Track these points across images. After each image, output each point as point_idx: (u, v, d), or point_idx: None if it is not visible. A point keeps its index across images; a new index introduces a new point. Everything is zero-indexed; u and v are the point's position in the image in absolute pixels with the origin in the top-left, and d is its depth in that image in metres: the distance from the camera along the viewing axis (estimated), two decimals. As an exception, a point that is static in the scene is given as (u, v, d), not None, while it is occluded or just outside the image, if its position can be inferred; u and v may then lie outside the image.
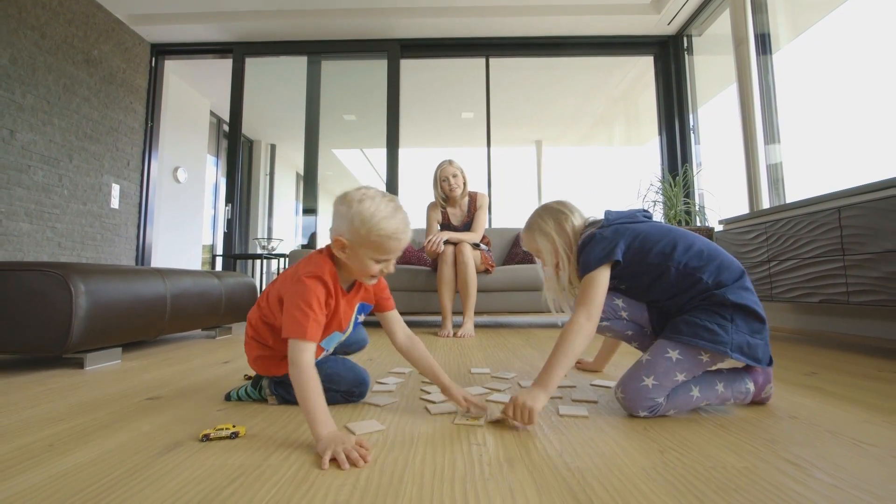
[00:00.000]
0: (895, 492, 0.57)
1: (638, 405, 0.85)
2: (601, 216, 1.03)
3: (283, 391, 0.98)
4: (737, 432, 0.80)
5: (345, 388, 0.96)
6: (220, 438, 0.77)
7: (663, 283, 0.91)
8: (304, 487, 0.59)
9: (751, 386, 0.91)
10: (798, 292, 1.88)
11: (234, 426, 0.80)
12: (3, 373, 1.37)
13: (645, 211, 1.02)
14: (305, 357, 0.77)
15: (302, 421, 0.87)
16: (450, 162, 2.51)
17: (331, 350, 0.99)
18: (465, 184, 2.51)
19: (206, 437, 0.77)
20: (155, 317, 1.63)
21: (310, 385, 0.75)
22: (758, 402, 0.94)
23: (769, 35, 2.89)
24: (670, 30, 3.72)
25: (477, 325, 2.74)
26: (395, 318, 0.99)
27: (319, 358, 0.96)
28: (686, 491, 0.58)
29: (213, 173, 5.42)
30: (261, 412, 0.94)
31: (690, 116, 3.73)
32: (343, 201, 0.84)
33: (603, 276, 0.89)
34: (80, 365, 1.44)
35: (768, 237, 2.07)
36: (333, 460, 0.66)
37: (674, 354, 0.85)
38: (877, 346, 1.81)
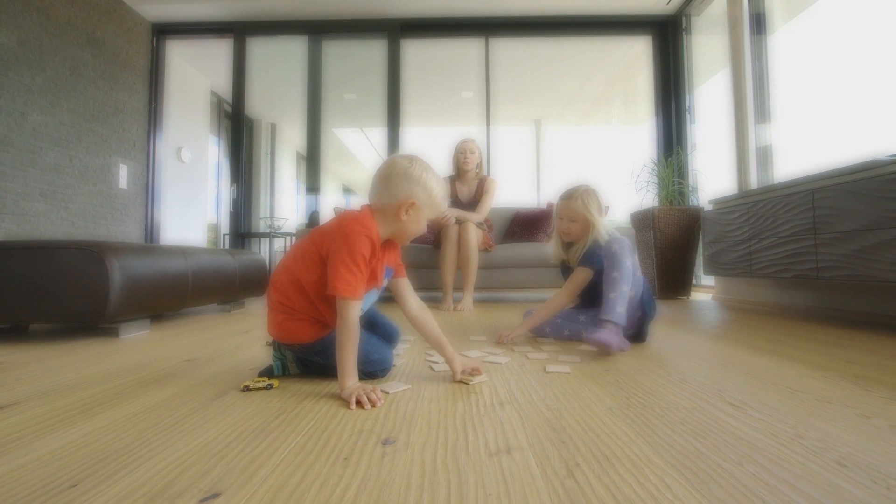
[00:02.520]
0: (808, 422, 0.72)
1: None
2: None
3: (305, 363, 1.01)
4: (694, 384, 0.95)
5: (370, 370, 0.98)
6: (259, 389, 0.92)
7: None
8: (336, 420, 0.74)
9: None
10: (774, 268, 2.02)
11: (268, 379, 0.94)
12: (46, 341, 1.51)
13: None
14: (354, 312, 0.87)
15: (325, 377, 1.01)
16: (472, 140, 2.73)
17: (366, 308, 1.03)
18: (479, 164, 2.72)
19: (247, 388, 0.91)
20: (179, 291, 1.77)
21: (351, 339, 0.87)
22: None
23: (765, 16, 2.93)
24: (669, 9, 3.73)
25: (476, 301, 2.89)
26: (407, 286, 1.05)
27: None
28: (641, 423, 0.72)
29: (214, 153, 5.47)
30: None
31: (687, 97, 3.79)
32: (410, 169, 0.95)
33: (588, 274, 1.41)
34: (115, 334, 1.58)
35: (750, 217, 2.19)
36: (358, 404, 0.80)
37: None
38: (841, 318, 1.96)
